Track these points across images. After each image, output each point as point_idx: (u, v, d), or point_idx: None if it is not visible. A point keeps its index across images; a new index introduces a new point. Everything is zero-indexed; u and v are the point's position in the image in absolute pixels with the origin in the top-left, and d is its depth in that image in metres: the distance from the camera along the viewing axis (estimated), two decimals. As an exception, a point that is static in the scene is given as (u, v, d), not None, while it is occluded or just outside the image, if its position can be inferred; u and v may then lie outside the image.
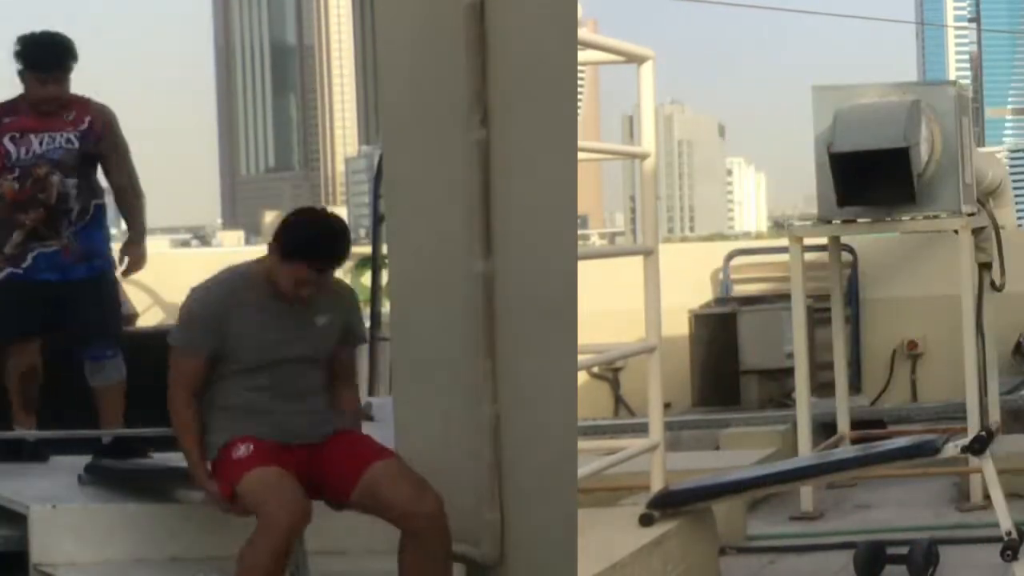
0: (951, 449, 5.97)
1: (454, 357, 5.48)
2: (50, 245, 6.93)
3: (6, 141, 6.95)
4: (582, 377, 10.21)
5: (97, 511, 5.95)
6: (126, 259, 7.24)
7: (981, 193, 8.96)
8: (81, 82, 7.14)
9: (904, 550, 6.49)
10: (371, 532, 5.76)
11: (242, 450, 5.38)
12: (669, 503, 6.05)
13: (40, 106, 6.97)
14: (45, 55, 6.99)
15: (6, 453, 6.88)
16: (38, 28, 7.17)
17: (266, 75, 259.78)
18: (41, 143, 6.96)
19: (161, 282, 11.28)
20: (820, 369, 9.15)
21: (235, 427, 5.45)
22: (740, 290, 12.73)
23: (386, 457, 5.45)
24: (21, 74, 7.02)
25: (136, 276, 7.75)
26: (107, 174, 7.17)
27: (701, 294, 12.44)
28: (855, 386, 10.94)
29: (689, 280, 12.31)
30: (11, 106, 7.02)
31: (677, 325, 11.21)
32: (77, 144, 7.00)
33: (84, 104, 7.08)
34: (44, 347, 7.07)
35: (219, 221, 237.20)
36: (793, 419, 8.71)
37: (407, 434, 5.68)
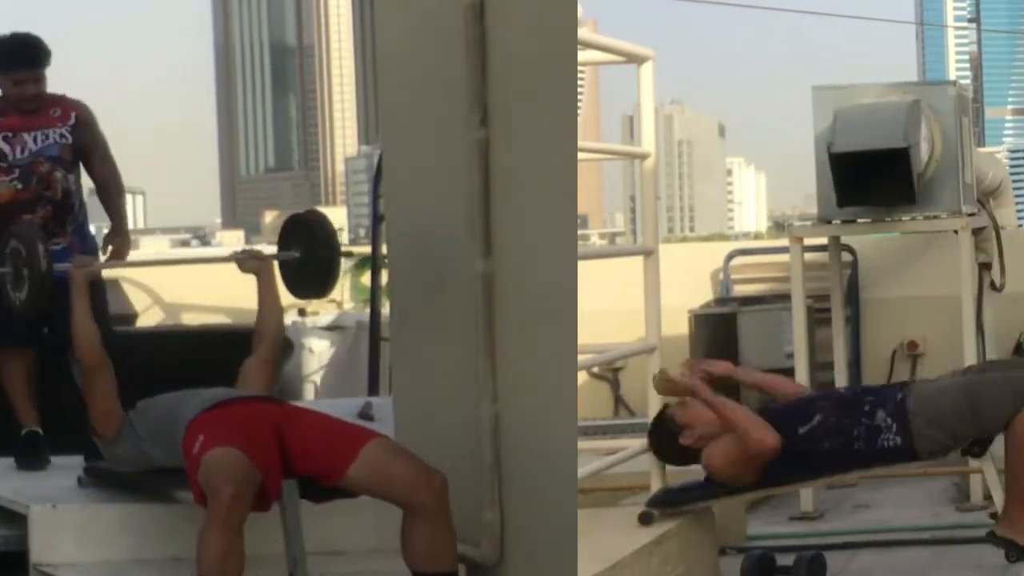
0: (951, 450, 5.95)
1: (454, 357, 5.48)
2: (58, 243, 6.87)
3: (0, 142, 6.96)
4: (582, 377, 10.20)
5: (97, 511, 5.95)
6: (110, 248, 7.22)
7: (981, 193, 8.95)
8: (82, 82, 7.17)
9: (790, 561, 6.38)
10: (371, 532, 5.76)
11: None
12: (669, 503, 6.04)
13: (22, 105, 6.98)
14: (20, 58, 7.02)
15: (18, 457, 6.80)
16: (38, 29, 7.15)
17: (266, 75, 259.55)
18: (35, 140, 6.99)
19: (161, 282, 11.28)
20: (820, 369, 9.13)
21: None
22: (740, 290, 12.70)
23: (381, 436, 5.42)
24: None
25: (136, 276, 7.78)
26: (90, 168, 7.22)
27: (701, 294, 12.42)
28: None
29: (689, 280, 12.28)
30: None
31: (677, 325, 11.18)
32: (70, 139, 7.04)
33: (64, 101, 7.11)
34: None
35: (219, 221, 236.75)
36: (793, 419, 8.69)
37: (407, 434, 5.68)
